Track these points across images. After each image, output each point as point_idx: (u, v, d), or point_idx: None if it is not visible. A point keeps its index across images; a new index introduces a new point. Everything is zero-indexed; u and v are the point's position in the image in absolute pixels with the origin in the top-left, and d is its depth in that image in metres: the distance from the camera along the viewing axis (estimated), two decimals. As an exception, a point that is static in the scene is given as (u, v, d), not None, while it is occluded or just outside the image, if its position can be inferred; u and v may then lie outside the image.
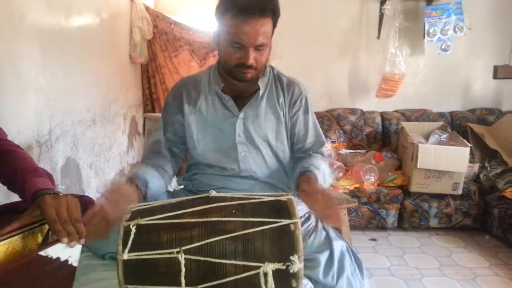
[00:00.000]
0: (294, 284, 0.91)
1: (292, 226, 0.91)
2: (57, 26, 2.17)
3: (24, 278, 0.74)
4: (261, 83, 1.36)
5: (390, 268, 2.47)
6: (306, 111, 1.41)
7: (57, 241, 0.80)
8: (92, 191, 2.57)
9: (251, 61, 1.23)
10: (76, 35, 2.39)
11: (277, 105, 1.38)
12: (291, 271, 0.88)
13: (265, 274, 0.87)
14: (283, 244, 0.91)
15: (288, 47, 3.38)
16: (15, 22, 1.77)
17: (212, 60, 3.91)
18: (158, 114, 3.33)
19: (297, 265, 0.88)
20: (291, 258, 0.89)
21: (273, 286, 0.87)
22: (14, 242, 0.83)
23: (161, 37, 3.84)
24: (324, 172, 1.28)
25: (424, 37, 3.47)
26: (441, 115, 3.56)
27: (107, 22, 2.91)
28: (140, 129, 3.78)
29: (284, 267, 0.89)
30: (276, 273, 0.88)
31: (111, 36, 3.04)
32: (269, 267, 0.88)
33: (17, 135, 1.71)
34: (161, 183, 1.29)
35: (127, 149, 3.40)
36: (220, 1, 1.26)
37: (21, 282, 0.74)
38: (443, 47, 3.42)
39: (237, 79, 1.30)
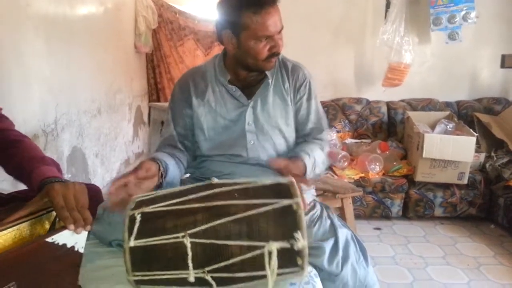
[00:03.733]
0: (299, 262, 0.91)
1: (294, 206, 0.92)
2: (62, 16, 2.16)
3: (31, 264, 0.75)
4: (269, 72, 1.35)
5: (395, 257, 2.48)
6: (309, 97, 1.41)
7: (64, 227, 0.81)
8: (98, 180, 2.59)
9: (282, 47, 1.28)
10: (81, 24, 2.39)
11: (283, 90, 1.38)
12: (295, 249, 0.89)
13: (270, 253, 0.88)
14: (286, 223, 0.91)
15: (292, 36, 3.33)
16: (20, 11, 1.77)
17: (218, 49, 3.89)
18: (163, 104, 3.33)
19: (301, 242, 0.89)
20: (295, 235, 0.89)
21: (276, 264, 0.88)
22: (22, 229, 0.84)
23: (166, 26, 3.83)
24: (315, 159, 1.28)
25: (430, 27, 3.42)
26: (447, 105, 3.53)
27: (111, 11, 2.90)
28: (145, 118, 3.79)
29: (288, 245, 0.89)
30: (281, 252, 0.89)
31: (115, 26, 3.04)
32: (274, 246, 0.88)
33: (23, 124, 1.72)
34: (177, 172, 1.30)
35: (132, 138, 3.42)
36: (229, 1, 1.25)
37: (28, 268, 0.75)
38: (450, 36, 3.38)
39: (262, 70, 1.33)
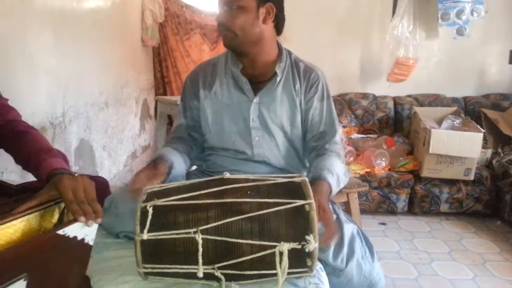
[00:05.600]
0: (309, 263, 0.93)
1: (307, 207, 0.93)
2: (69, 9, 2.17)
3: (42, 256, 0.76)
4: (278, 69, 1.35)
5: (399, 252, 2.48)
6: (321, 98, 1.38)
7: (75, 220, 0.82)
8: (106, 172, 2.61)
9: (220, 17, 1.28)
10: (88, 18, 2.40)
11: (293, 91, 1.36)
12: (306, 250, 0.90)
13: (281, 253, 0.89)
14: (298, 224, 0.92)
15: (297, 30, 3.33)
16: (27, 4, 1.77)
17: (223, 44, 3.88)
18: (170, 97, 3.34)
19: (312, 244, 0.90)
20: (307, 237, 0.90)
21: (287, 265, 0.89)
22: (31, 219, 0.85)
23: (173, 20, 3.82)
24: (338, 175, 1.26)
25: (438, 21, 3.40)
26: (454, 101, 3.51)
27: (118, 5, 2.91)
28: (152, 112, 3.80)
29: (299, 247, 0.90)
30: (291, 252, 0.90)
31: (122, 19, 3.04)
32: (285, 247, 0.89)
33: (30, 117, 1.74)
34: (183, 167, 1.33)
35: (139, 131, 3.43)
36: None
37: (39, 260, 0.76)
38: (458, 31, 3.35)
39: (224, 45, 1.33)
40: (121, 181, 2.75)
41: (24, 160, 1.03)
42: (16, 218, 0.81)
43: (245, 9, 1.26)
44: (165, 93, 3.88)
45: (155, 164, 1.22)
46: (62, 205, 0.90)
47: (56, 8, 2.02)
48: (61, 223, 0.87)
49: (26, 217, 0.84)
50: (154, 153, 3.62)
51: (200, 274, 0.89)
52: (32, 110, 1.78)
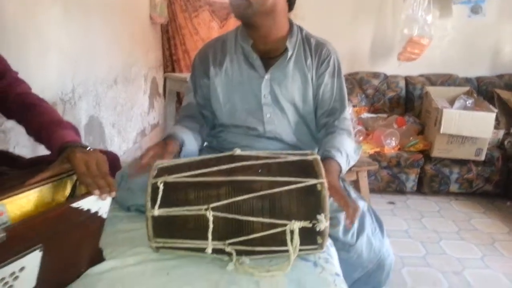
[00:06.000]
0: (319, 241, 0.93)
1: (318, 186, 0.92)
2: (79, -16, 2.14)
3: (56, 228, 0.78)
4: (289, 44, 1.32)
5: (408, 230, 2.49)
6: (332, 74, 1.36)
7: (89, 193, 0.82)
8: (115, 149, 2.63)
9: None
10: (97, -7, 2.37)
11: (305, 66, 1.34)
12: (317, 229, 0.90)
13: (292, 232, 0.89)
14: (309, 203, 0.92)
15: (308, 8, 3.27)
16: (38, -22, 1.75)
17: (233, 21, 3.82)
18: (179, 74, 3.32)
19: (323, 223, 0.90)
20: (318, 217, 0.90)
21: (299, 242, 0.89)
22: (44, 191, 0.86)
23: (181, -3, 3.77)
24: (347, 153, 1.25)
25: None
26: (467, 80, 3.44)
27: (127, -20, 2.87)
28: (161, 90, 3.79)
29: (310, 225, 0.90)
30: (302, 230, 0.90)
31: (131, -5, 3.00)
32: (296, 225, 0.89)
33: (41, 93, 1.72)
34: (194, 145, 1.33)
35: (148, 109, 3.43)
36: None
37: (54, 232, 0.77)
38: (473, 9, 3.26)
39: (237, 16, 1.28)
40: (130, 158, 2.77)
41: (35, 131, 1.03)
42: (29, 189, 0.82)
43: None
44: (173, 71, 3.85)
45: (166, 142, 1.22)
46: (74, 177, 0.91)
47: (64, -16, 2.00)
48: (74, 196, 0.88)
49: (39, 188, 0.85)
50: (163, 130, 3.63)
51: (209, 251, 0.90)
52: (42, 86, 1.78)
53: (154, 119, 3.61)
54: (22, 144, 1.63)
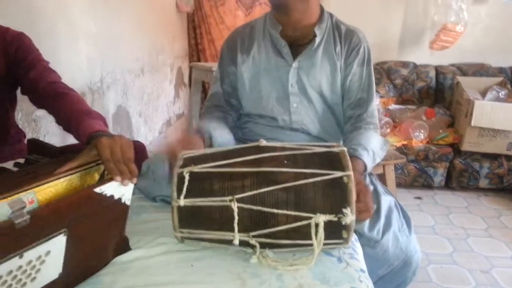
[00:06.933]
0: (344, 235, 0.92)
1: (345, 179, 0.90)
2: (107, -27, 2.16)
3: (80, 212, 0.79)
4: (318, 30, 1.29)
5: (434, 226, 2.43)
6: (362, 63, 1.32)
7: (111, 179, 0.83)
8: (142, 139, 2.67)
9: None
10: (125, -18, 2.39)
11: (334, 54, 1.30)
12: (343, 223, 0.89)
13: (316, 225, 0.88)
14: (335, 196, 0.91)
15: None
16: (67, -32, 1.78)
17: (259, 9, 3.79)
18: (204, 64, 3.32)
19: (349, 217, 0.88)
20: (344, 210, 0.88)
21: (323, 236, 0.88)
22: (72, 180, 0.88)
23: (207, -15, 3.76)
24: (373, 151, 1.22)
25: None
26: (500, 71, 3.30)
27: (154, -31, 2.87)
28: (186, 80, 3.82)
29: (336, 219, 0.89)
30: (327, 224, 0.89)
31: (158, -16, 3.01)
32: (321, 219, 0.88)
33: (71, 82, 1.76)
34: (225, 131, 1.32)
35: (173, 99, 3.46)
36: None
37: (78, 216, 0.78)
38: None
39: (278, 5, 1.25)
40: (156, 148, 2.80)
41: (65, 121, 1.05)
42: (58, 178, 0.83)
43: None
44: (199, 60, 3.86)
45: (189, 138, 1.21)
46: (102, 167, 0.92)
47: (93, -27, 2.02)
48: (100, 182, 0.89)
49: (68, 177, 0.86)
50: (189, 120, 3.66)
51: (236, 242, 0.90)
52: (72, 75, 1.81)
53: (179, 109, 3.64)
54: (52, 133, 1.67)
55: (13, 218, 0.66)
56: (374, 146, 1.23)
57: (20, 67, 1.16)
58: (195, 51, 3.91)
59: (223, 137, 1.30)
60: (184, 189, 0.93)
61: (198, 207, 0.93)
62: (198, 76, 3.16)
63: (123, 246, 0.96)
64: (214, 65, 2.90)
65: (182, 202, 0.92)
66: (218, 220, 0.92)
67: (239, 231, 0.91)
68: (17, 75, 1.17)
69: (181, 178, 0.94)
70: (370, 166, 1.19)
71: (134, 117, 2.56)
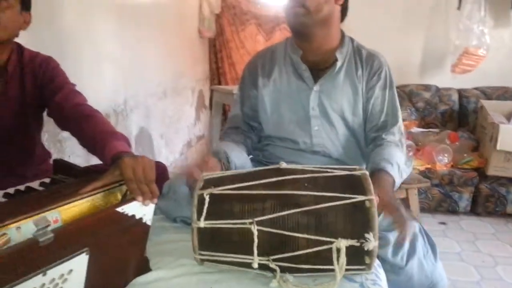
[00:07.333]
0: (367, 261, 0.89)
1: (367, 203, 0.89)
2: (132, 0, 2.24)
3: (102, 232, 0.80)
4: (340, 55, 1.30)
5: (461, 253, 2.35)
6: (384, 86, 1.32)
7: (133, 199, 0.84)
8: (162, 160, 2.68)
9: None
10: (148, 9, 2.47)
11: (355, 78, 1.31)
12: (365, 249, 0.87)
13: (338, 250, 0.86)
14: (357, 220, 0.89)
15: (356, 18, 3.21)
16: (95, -5, 1.85)
17: (279, 34, 3.85)
18: (226, 87, 3.38)
19: (372, 243, 0.86)
20: (366, 235, 0.86)
21: (345, 262, 0.86)
22: (96, 200, 0.89)
23: (229, 11, 3.84)
24: (398, 165, 1.19)
25: (511, 8, 3.14)
26: (526, 94, 3.24)
27: (178, -4, 2.97)
28: (207, 102, 3.87)
29: (358, 244, 0.87)
30: (349, 249, 0.87)
31: (180, 11, 3.10)
32: (343, 243, 0.86)
33: (95, 105, 1.82)
34: (242, 155, 1.32)
35: (194, 121, 3.50)
36: None
37: (99, 235, 0.79)
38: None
39: (293, 24, 1.27)
40: (177, 169, 2.83)
41: (89, 142, 1.07)
42: (82, 198, 0.85)
43: None
44: (219, 83, 3.92)
45: (206, 161, 1.22)
46: (124, 187, 0.94)
47: (120, 0, 2.10)
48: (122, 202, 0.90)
49: (91, 197, 0.88)
50: (209, 142, 3.69)
51: (255, 265, 0.89)
52: (97, 97, 1.86)
53: (200, 131, 3.68)
54: (77, 154, 1.71)
55: (37, 236, 0.67)
56: (398, 160, 1.21)
57: (48, 89, 1.20)
58: (216, 75, 3.98)
59: (240, 159, 1.30)
60: (204, 211, 0.93)
61: (218, 229, 0.92)
62: (219, 98, 3.21)
63: (143, 267, 0.96)
64: (235, 88, 2.94)
65: (202, 224, 0.92)
66: (238, 242, 0.92)
67: (258, 255, 0.90)
68: (45, 98, 1.21)
69: (201, 199, 0.94)
70: (398, 179, 1.17)
71: (155, 139, 2.60)
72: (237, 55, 3.92)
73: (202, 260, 0.96)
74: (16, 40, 1.18)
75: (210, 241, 0.94)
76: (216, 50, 3.93)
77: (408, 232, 0.98)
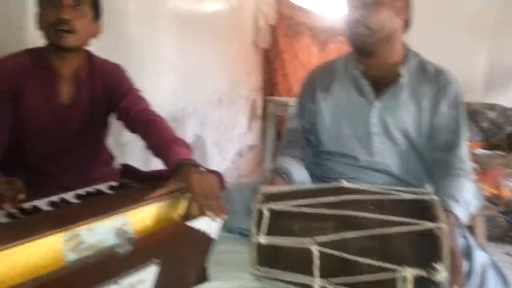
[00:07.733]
0: (436, 294, 0.83)
1: (436, 231, 0.84)
2: (192, 12, 2.32)
3: (171, 245, 0.83)
4: (404, 70, 1.25)
5: (527, 287, 2.16)
6: (450, 103, 1.26)
7: (203, 214, 0.86)
8: (215, 167, 2.70)
9: (356, 14, 1.20)
10: (207, 19, 2.53)
11: (420, 94, 1.25)
12: (433, 279, 0.81)
13: (404, 279, 0.81)
14: (425, 248, 0.84)
15: (414, 31, 3.10)
16: (158, 7, 1.93)
17: (333, 46, 3.80)
18: (279, 98, 3.39)
19: (441, 274, 0.81)
20: (434, 265, 0.81)
21: (412, 292, 0.81)
22: (161, 206, 0.94)
23: (284, 22, 3.85)
24: (466, 200, 1.12)
25: None
26: None
27: (234, 7, 3.02)
28: (259, 112, 3.89)
29: (425, 274, 0.81)
30: (416, 279, 0.81)
31: (237, 21, 3.15)
32: (409, 272, 0.81)
33: (157, 111, 1.88)
34: (303, 172, 1.31)
35: (246, 131, 3.52)
36: None
37: (169, 249, 0.82)
38: None
39: (355, 43, 1.26)
40: (229, 178, 2.84)
41: (154, 147, 1.12)
42: (148, 204, 0.89)
43: (383, 2, 1.20)
44: (272, 95, 3.92)
45: (275, 182, 1.22)
46: (188, 198, 0.96)
47: (181, 11, 2.17)
48: (188, 215, 0.93)
49: (157, 204, 0.92)
50: (260, 152, 3.70)
51: (316, 287, 0.86)
52: (158, 104, 1.91)
53: (251, 141, 3.69)
54: (136, 158, 1.76)
55: (117, 248, 0.69)
56: (466, 195, 1.13)
57: (115, 95, 1.26)
58: (269, 85, 3.99)
59: (301, 175, 1.29)
60: (263, 226, 0.92)
61: (277, 246, 0.91)
62: (273, 109, 3.21)
63: (201, 276, 0.97)
64: (289, 100, 2.93)
65: (262, 239, 0.91)
66: (297, 262, 0.90)
67: (318, 276, 0.87)
68: (112, 103, 1.26)
69: (260, 214, 0.94)
70: (464, 218, 1.09)
71: (209, 146, 2.63)
72: (290, 66, 3.91)
73: (259, 276, 0.95)
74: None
75: (268, 258, 0.93)
76: (270, 61, 3.95)
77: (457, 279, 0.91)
